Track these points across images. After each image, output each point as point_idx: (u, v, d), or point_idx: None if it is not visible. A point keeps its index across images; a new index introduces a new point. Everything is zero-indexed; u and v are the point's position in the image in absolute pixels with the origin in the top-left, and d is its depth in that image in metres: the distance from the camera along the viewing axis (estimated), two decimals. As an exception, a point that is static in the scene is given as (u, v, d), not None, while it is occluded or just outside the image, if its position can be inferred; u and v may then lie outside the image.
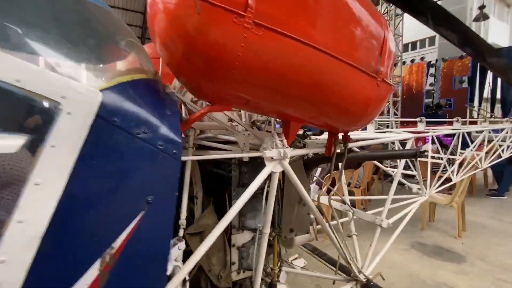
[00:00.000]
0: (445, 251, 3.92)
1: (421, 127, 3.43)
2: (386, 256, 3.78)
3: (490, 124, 5.50)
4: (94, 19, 1.00)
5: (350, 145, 1.78)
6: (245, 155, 1.32)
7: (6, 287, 0.68)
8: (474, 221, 4.92)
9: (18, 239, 0.69)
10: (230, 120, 1.72)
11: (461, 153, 4.12)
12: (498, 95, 10.83)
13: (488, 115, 7.72)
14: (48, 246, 0.72)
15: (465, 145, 4.17)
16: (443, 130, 3.67)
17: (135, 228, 0.86)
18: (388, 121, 8.88)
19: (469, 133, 4.46)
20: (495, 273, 3.38)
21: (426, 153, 3.77)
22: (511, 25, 20.38)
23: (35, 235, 0.71)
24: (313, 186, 4.68)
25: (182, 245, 1.36)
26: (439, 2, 6.73)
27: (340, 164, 1.73)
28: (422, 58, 13.99)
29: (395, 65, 10.63)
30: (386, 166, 4.50)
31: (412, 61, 13.34)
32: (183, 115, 1.62)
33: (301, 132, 2.02)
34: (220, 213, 1.49)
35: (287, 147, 1.36)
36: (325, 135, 1.73)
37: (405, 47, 18.28)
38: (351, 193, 5.05)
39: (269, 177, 1.36)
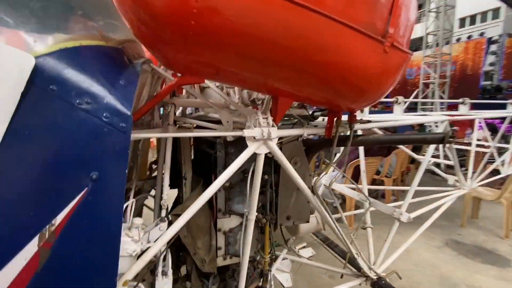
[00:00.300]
0: (487, 253, 3.46)
1: (463, 109, 2.95)
2: (413, 253, 3.47)
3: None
4: None
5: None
6: (223, 134, 1.20)
7: None
8: (529, 221, 4.26)
9: None
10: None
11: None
12: None
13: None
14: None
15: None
16: (490, 113, 3.12)
17: (78, 205, 0.80)
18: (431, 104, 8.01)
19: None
20: (548, 283, 2.90)
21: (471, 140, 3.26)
22: None
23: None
24: (334, 174, 4.41)
25: (164, 225, 1.32)
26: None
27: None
28: (481, 34, 12.19)
29: (447, 43, 9.40)
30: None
31: (469, 37, 11.72)
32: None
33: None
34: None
35: (273, 126, 1.21)
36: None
37: (462, 23, 16.08)
38: (381, 183, 4.68)
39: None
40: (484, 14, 16.49)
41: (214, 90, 1.41)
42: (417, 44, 11.03)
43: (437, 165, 4.88)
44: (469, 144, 3.83)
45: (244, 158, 1.19)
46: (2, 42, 0.73)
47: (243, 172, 1.39)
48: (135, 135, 1.11)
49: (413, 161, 5.69)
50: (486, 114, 2.88)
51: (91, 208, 0.82)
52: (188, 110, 2.03)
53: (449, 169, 5.11)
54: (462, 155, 5.27)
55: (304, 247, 2.46)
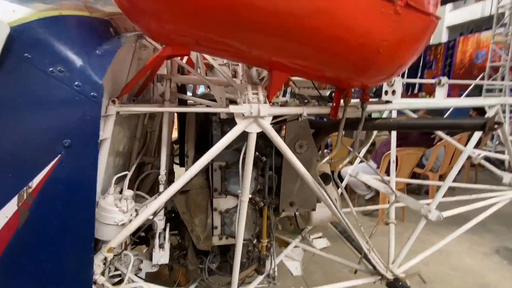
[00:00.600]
0: (548, 266, 2.92)
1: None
2: (454, 257, 3.09)
3: None
4: None
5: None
6: (208, 110, 1.15)
7: None
8: None
9: None
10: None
11: None
12: None
13: None
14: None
15: None
16: None
17: (52, 170, 0.84)
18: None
19: None
20: None
21: None
22: None
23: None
24: (370, 164, 4.08)
25: (159, 200, 1.34)
26: None
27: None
28: None
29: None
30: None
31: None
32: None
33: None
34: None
35: (265, 103, 1.12)
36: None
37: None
38: (426, 178, 4.21)
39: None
40: None
41: (216, 68, 1.36)
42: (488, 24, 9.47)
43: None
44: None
45: (233, 136, 1.13)
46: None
47: (240, 152, 1.33)
48: (125, 109, 1.12)
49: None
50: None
51: (65, 174, 0.86)
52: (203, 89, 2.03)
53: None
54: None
55: (319, 237, 2.34)
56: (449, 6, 14.39)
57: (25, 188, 0.83)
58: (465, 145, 3.25)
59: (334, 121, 1.41)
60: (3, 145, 0.81)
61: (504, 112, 2.89)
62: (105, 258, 1.07)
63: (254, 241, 1.48)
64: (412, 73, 10.32)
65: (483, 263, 2.97)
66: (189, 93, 1.83)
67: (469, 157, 4.72)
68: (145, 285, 1.31)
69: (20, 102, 0.81)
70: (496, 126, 1.33)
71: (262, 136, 1.20)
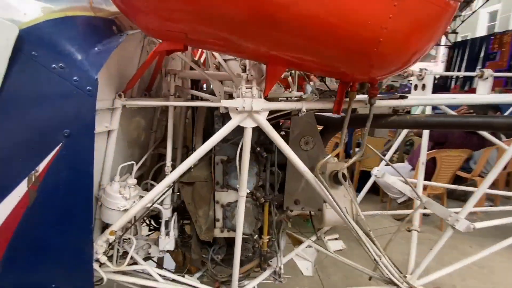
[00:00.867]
0: None
1: None
2: (498, 274, 2.73)
3: None
4: None
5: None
6: (205, 104, 1.17)
7: None
8: None
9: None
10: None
11: None
12: None
13: None
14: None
15: None
16: None
17: (55, 157, 0.94)
18: None
19: None
20: None
21: None
22: None
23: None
24: (404, 165, 3.75)
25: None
26: None
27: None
28: None
29: None
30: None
31: None
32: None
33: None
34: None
35: (259, 97, 1.10)
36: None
37: None
38: (474, 184, 3.76)
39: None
40: None
41: (221, 62, 1.37)
42: None
43: None
44: None
45: (227, 130, 1.14)
46: (-3, 15, 0.88)
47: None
48: (130, 103, 1.20)
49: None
50: None
51: (65, 160, 0.95)
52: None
53: None
54: None
55: (336, 239, 2.25)
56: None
57: (33, 172, 0.94)
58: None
59: (344, 117, 1.33)
60: (14, 134, 0.92)
61: None
62: (107, 240, 1.17)
63: (255, 237, 1.47)
64: (471, 65, 9.23)
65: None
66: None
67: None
68: (149, 268, 1.40)
69: (27, 96, 0.91)
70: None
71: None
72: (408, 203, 3.57)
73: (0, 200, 0.93)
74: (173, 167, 1.41)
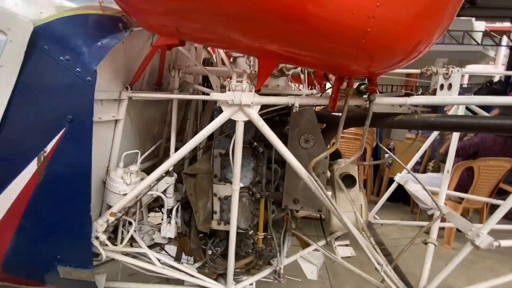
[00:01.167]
0: None
1: None
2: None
3: None
4: None
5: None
6: (198, 97, 1.20)
7: None
8: None
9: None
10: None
11: None
12: None
13: None
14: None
15: None
16: None
17: (61, 139, 1.06)
18: None
19: None
20: None
21: None
22: None
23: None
24: (439, 175, 3.41)
25: (168, 179, 1.49)
26: None
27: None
28: None
29: None
30: None
31: None
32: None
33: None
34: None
35: (249, 91, 1.11)
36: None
37: None
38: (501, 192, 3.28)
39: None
40: None
41: (222, 56, 1.41)
42: None
43: None
44: None
45: (218, 123, 1.17)
46: (18, 13, 1.01)
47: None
48: (135, 95, 1.29)
49: None
50: None
51: (68, 143, 1.06)
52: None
53: None
54: None
55: (346, 245, 2.14)
56: None
57: (41, 152, 1.07)
58: None
59: (355, 114, 1.29)
60: (26, 118, 1.05)
61: None
62: (108, 220, 1.27)
63: (250, 232, 1.47)
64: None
65: None
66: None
67: None
68: (149, 252, 1.48)
69: (39, 85, 1.04)
70: None
71: None
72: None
73: (13, 178, 1.06)
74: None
